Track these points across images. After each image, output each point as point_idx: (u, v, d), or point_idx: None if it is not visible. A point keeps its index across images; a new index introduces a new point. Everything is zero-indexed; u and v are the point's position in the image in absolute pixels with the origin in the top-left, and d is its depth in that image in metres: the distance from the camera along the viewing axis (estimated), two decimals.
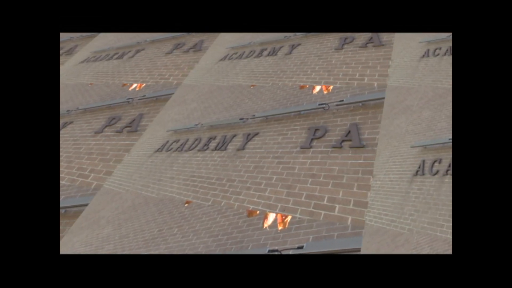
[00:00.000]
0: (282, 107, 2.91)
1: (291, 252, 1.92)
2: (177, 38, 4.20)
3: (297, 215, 2.08)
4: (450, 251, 1.73)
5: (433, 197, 1.97)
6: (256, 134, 2.72)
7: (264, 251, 1.97)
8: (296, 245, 1.95)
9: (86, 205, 2.53)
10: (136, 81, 3.64)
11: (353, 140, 2.40)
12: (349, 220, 1.98)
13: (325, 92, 2.88)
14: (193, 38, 4.12)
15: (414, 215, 1.92)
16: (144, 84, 3.59)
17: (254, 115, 2.92)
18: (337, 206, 2.05)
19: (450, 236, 1.79)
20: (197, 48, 3.94)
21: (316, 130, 2.58)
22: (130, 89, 3.59)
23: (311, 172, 2.28)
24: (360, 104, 2.70)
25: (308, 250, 1.92)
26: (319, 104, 2.82)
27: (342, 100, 2.78)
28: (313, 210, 2.07)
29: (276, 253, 1.93)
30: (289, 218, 2.05)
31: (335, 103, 2.77)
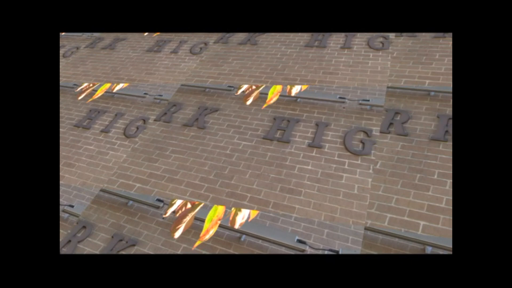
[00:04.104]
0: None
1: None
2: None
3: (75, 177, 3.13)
4: None
5: None
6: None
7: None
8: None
9: None
10: None
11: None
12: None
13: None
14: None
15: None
16: None
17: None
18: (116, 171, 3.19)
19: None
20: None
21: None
22: None
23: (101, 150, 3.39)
24: (159, 101, 3.77)
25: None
26: (147, 94, 3.83)
27: (148, 94, 3.85)
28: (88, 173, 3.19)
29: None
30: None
31: (154, 96, 3.79)
